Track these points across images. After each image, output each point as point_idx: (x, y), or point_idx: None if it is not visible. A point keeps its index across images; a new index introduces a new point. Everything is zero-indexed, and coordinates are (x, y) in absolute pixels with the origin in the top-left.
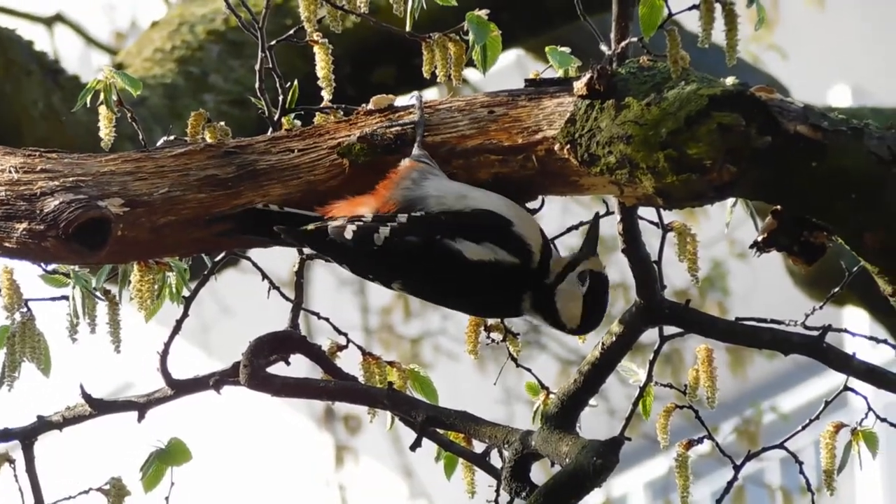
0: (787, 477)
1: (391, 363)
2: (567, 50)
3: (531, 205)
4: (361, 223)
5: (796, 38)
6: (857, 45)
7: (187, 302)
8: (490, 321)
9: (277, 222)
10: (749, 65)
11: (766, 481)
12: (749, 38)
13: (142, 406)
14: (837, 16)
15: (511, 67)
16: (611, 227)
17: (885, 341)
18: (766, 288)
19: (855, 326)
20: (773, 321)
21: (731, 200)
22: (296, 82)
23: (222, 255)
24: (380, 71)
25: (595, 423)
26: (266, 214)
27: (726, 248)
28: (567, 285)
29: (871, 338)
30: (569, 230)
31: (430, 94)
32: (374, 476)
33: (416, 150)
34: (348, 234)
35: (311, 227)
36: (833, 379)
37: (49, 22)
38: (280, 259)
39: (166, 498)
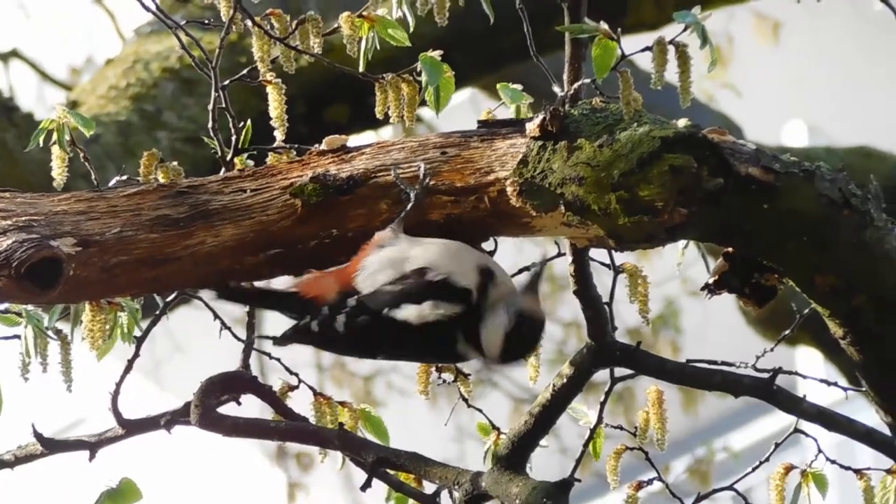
0: None
1: (342, 403)
2: (519, 87)
3: (484, 246)
4: (322, 316)
5: (750, 76)
6: (811, 82)
7: (139, 342)
8: None
9: (254, 298)
10: (702, 104)
11: None
12: (703, 77)
13: (93, 445)
14: (791, 53)
15: (465, 105)
16: (562, 268)
17: (835, 384)
18: (719, 326)
19: (808, 366)
20: (723, 363)
21: (682, 241)
22: (249, 122)
23: (174, 294)
24: (333, 109)
25: (548, 462)
26: (239, 290)
27: (679, 287)
28: (492, 315)
29: (822, 380)
30: (520, 272)
31: (385, 133)
32: None
33: (394, 223)
34: (315, 328)
35: (290, 330)
36: (785, 418)
37: (5, 57)
38: None
39: None
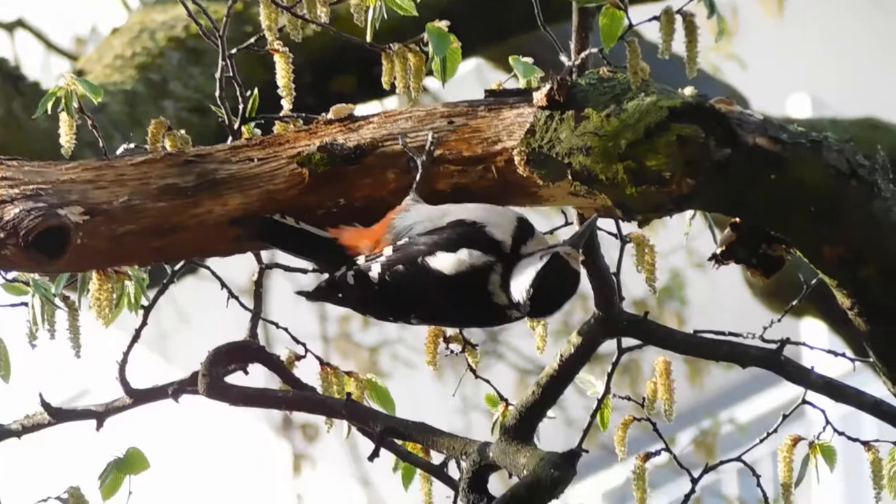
0: (744, 488)
1: (349, 373)
2: (530, 60)
3: None
4: (357, 269)
5: (755, 48)
6: (815, 54)
7: (146, 311)
8: (449, 332)
9: (290, 234)
10: (708, 75)
11: (724, 492)
12: (708, 48)
13: (100, 415)
14: (796, 25)
15: (470, 75)
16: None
17: (843, 354)
18: (724, 298)
19: (813, 337)
20: (731, 334)
21: (689, 212)
22: (256, 91)
23: (181, 263)
24: (339, 79)
25: (552, 433)
26: (280, 225)
27: (684, 258)
28: (526, 259)
29: (829, 351)
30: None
31: (390, 104)
32: (331, 485)
33: (411, 193)
34: (350, 281)
35: (325, 281)
36: (790, 390)
37: (10, 27)
38: (239, 267)
39: None
